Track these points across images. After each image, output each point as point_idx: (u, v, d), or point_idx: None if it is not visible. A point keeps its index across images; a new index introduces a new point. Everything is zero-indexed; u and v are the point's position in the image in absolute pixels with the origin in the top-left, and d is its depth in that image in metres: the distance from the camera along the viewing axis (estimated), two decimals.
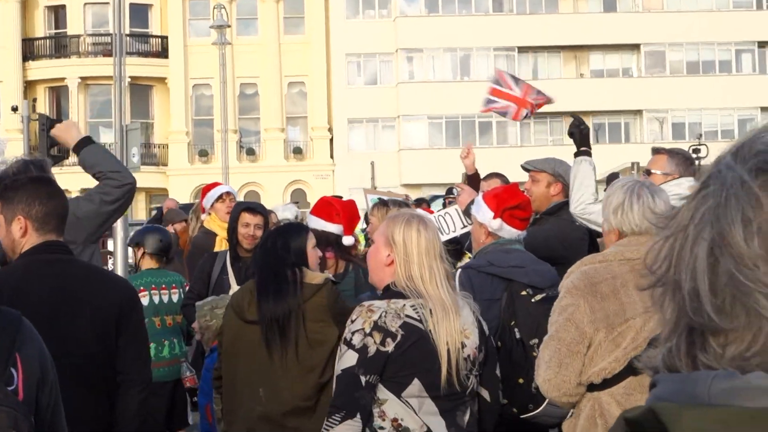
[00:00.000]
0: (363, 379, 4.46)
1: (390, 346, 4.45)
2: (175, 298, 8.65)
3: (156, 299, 8.57)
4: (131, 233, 10.87)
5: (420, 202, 12.45)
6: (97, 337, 4.51)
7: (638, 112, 54.14)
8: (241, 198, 49.87)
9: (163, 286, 8.63)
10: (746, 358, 1.27)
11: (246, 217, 8.12)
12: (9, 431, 2.63)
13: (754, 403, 1.23)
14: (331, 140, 54.08)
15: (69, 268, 4.53)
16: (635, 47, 54.20)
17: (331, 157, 53.87)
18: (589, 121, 38.79)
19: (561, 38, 53.24)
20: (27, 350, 2.84)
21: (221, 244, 9.37)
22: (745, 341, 1.28)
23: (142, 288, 8.47)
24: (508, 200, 6.11)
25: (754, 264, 1.26)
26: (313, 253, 5.74)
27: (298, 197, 47.81)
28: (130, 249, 11.16)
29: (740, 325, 1.28)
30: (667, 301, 1.35)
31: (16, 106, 41.78)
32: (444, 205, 12.76)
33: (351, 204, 7.45)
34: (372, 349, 4.46)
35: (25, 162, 5.28)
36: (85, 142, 5.81)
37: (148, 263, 8.78)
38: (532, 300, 5.76)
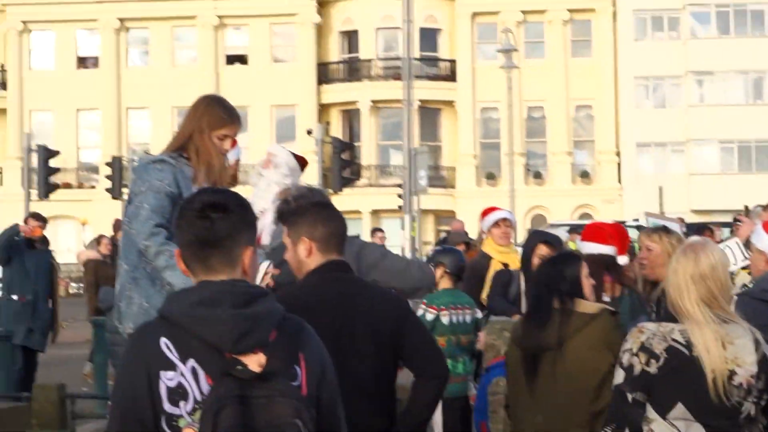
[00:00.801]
0: (629, 396, 4.57)
1: (653, 367, 4.54)
2: (468, 318, 8.89)
3: (453, 319, 8.83)
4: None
5: (702, 229, 12.28)
6: (375, 351, 4.77)
7: None
8: (525, 222, 50.04)
9: (459, 306, 8.88)
10: None
11: (542, 249, 8.12)
12: (293, 420, 2.97)
13: None
14: (619, 164, 53.54)
15: (350, 286, 4.81)
16: None
17: (619, 181, 53.32)
18: None
19: None
20: (309, 351, 3.19)
21: (495, 268, 9.53)
22: None
23: (442, 307, 8.76)
24: None
25: None
26: (587, 282, 5.82)
27: (585, 220, 47.51)
28: None
29: None
30: None
31: (311, 130, 43.30)
32: (731, 232, 12.61)
33: (620, 226, 7.50)
34: (637, 369, 4.57)
35: (307, 189, 5.63)
36: None
37: (445, 283, 8.98)
38: None
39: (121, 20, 55.10)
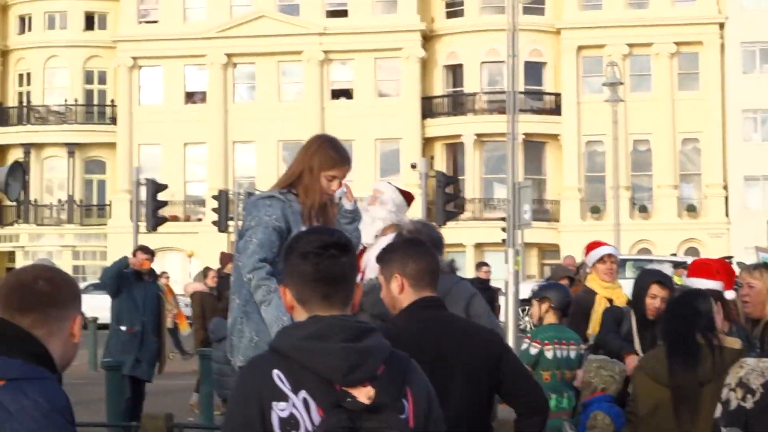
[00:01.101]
0: (723, 431, 4.53)
1: (749, 402, 4.50)
2: (573, 354, 8.87)
3: (558, 354, 8.81)
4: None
5: None
6: (471, 388, 4.77)
7: None
8: (630, 254, 49.60)
9: (563, 341, 8.86)
10: None
11: (654, 289, 8.05)
12: None
13: None
14: (726, 198, 52.80)
15: (443, 323, 4.79)
16: None
17: (726, 215, 52.57)
18: None
19: None
20: (416, 385, 3.31)
21: (600, 303, 9.46)
22: None
23: (546, 341, 8.77)
24: None
25: None
26: (718, 318, 5.81)
27: (691, 255, 46.91)
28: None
29: None
30: None
31: (415, 163, 43.43)
32: None
33: (725, 261, 7.44)
34: (733, 404, 4.55)
35: (420, 224, 5.76)
36: None
37: (551, 318, 8.99)
38: None
39: (229, 56, 55.92)
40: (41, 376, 3.10)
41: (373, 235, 6.91)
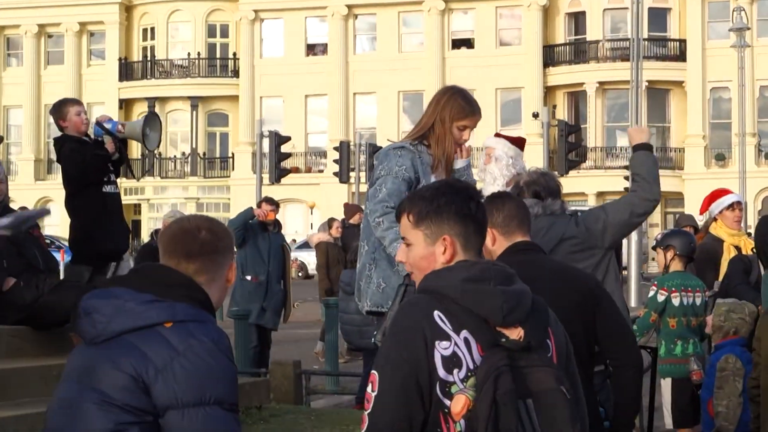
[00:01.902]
0: None
1: None
2: (698, 301, 8.92)
3: (684, 301, 8.86)
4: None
5: None
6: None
7: None
8: (755, 204, 48.71)
9: (689, 288, 8.90)
10: None
11: None
12: (558, 386, 3.24)
13: None
14: None
15: (536, 267, 4.70)
16: None
17: None
18: None
19: None
20: (555, 326, 3.49)
21: (728, 251, 9.40)
22: None
23: (673, 289, 8.83)
24: None
25: None
26: None
27: None
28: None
29: None
30: None
31: (537, 113, 43.18)
32: None
33: None
34: None
35: (538, 173, 5.82)
36: (645, 147, 6.25)
37: (676, 265, 9.04)
38: None
39: (349, 7, 56.02)
40: (204, 319, 3.34)
41: None
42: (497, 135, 7.70)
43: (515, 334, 3.25)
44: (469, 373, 3.20)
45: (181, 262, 3.41)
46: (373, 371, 3.28)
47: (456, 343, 3.23)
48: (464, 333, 3.24)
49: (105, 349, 3.27)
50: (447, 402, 3.19)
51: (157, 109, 57.96)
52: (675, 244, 9.03)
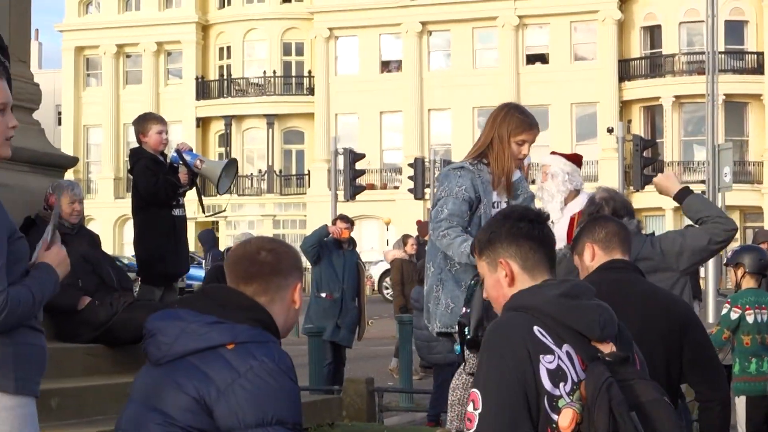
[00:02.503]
0: None
1: None
2: None
3: (758, 318, 8.81)
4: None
5: None
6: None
7: None
8: None
9: (764, 306, 8.84)
10: None
11: None
12: (662, 397, 3.27)
13: None
14: None
15: (621, 285, 4.74)
16: None
17: None
18: None
19: None
20: (633, 341, 3.50)
21: None
22: None
23: (747, 306, 8.79)
24: None
25: None
26: None
27: None
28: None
29: None
30: None
31: (612, 128, 42.86)
32: None
33: None
34: None
35: (609, 192, 5.86)
36: (687, 192, 6.23)
37: (748, 282, 8.97)
38: None
39: (424, 24, 56.09)
40: (266, 340, 3.35)
41: (557, 209, 7.02)
42: (553, 153, 7.70)
43: (608, 348, 3.28)
44: (575, 387, 3.22)
45: (240, 283, 3.43)
46: (473, 390, 3.26)
47: (560, 357, 3.24)
48: (566, 347, 3.26)
49: (169, 371, 3.32)
50: (554, 416, 3.20)
51: (233, 127, 58.48)
52: (744, 261, 8.96)
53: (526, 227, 3.44)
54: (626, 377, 3.22)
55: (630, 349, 3.38)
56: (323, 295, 13.58)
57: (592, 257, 4.81)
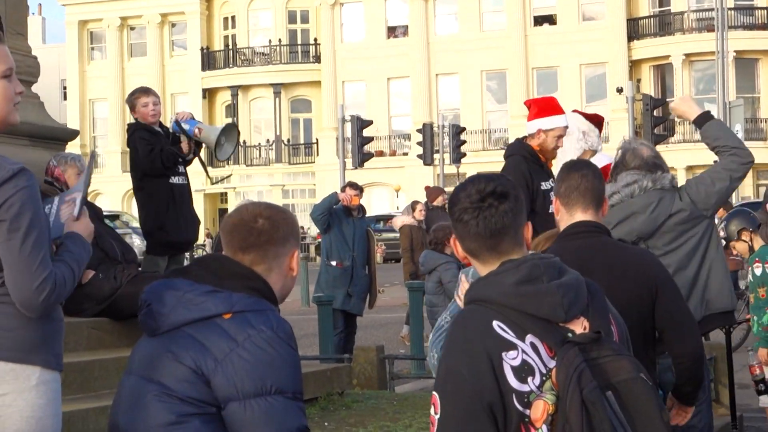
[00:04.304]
0: None
1: None
2: None
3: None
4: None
5: None
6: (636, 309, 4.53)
7: None
8: None
9: None
10: None
11: None
12: (638, 374, 3.04)
13: None
14: None
15: (592, 256, 4.52)
16: None
17: None
18: None
19: None
20: (612, 311, 3.31)
21: None
22: None
23: (756, 260, 8.74)
24: None
25: None
26: None
27: None
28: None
29: None
30: None
31: (621, 87, 42.60)
32: None
33: None
34: None
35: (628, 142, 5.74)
36: (707, 117, 6.03)
37: (758, 240, 8.97)
38: None
39: None
40: (263, 308, 3.29)
41: None
42: (574, 111, 7.56)
43: (580, 326, 3.07)
44: (544, 378, 3.03)
45: (237, 252, 3.37)
46: (434, 392, 3.11)
47: (524, 351, 3.04)
48: (529, 338, 3.06)
49: (165, 341, 3.28)
50: (527, 412, 3.03)
51: (240, 97, 58.31)
52: (741, 227, 9.16)
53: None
54: (600, 355, 3.03)
55: (605, 318, 3.16)
56: (333, 263, 13.47)
57: (557, 212, 4.61)
